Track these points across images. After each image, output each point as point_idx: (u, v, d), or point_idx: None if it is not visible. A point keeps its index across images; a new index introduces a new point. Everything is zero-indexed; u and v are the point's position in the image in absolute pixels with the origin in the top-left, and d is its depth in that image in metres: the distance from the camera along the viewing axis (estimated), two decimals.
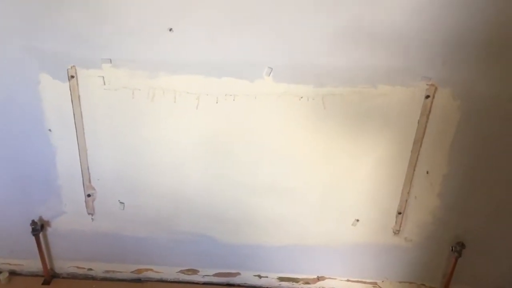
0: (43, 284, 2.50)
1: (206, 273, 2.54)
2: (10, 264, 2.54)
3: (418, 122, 2.02)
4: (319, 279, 2.52)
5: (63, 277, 2.55)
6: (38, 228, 2.34)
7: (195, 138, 2.11)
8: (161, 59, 1.94)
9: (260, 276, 2.53)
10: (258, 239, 2.40)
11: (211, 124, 2.08)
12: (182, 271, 2.54)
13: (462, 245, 2.28)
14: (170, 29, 1.87)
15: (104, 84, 2.00)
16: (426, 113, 2.00)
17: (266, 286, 2.56)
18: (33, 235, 2.34)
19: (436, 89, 1.95)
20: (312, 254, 2.43)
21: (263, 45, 1.90)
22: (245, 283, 2.56)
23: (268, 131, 2.09)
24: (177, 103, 2.02)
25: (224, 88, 1.99)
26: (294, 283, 2.54)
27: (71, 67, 1.96)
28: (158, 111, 2.04)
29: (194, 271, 2.54)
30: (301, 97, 2.00)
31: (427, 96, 1.97)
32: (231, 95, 2.00)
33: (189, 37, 1.89)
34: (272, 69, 1.94)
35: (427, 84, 1.94)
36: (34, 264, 2.49)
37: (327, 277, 2.51)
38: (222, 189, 2.25)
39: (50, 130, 2.11)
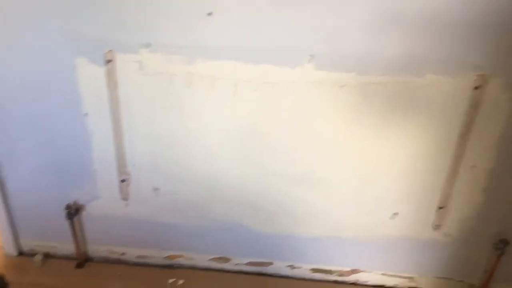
0: (76, 267, 2.51)
1: (238, 262, 2.52)
2: (44, 246, 2.56)
3: (466, 114, 1.93)
4: (353, 271, 2.47)
5: (96, 261, 2.56)
6: (73, 212, 2.35)
7: (231, 126, 2.07)
8: (199, 44, 1.89)
9: (292, 267, 2.49)
10: (292, 229, 2.36)
11: (248, 112, 2.03)
12: (214, 259, 2.52)
13: (505, 242, 2.20)
14: (209, 13, 1.82)
15: (141, 69, 1.97)
16: (474, 104, 1.91)
17: (298, 277, 2.52)
18: (68, 219, 2.35)
19: (486, 79, 1.85)
20: (347, 247, 2.38)
21: (305, 31, 1.83)
22: (277, 273, 2.53)
23: (306, 120, 2.03)
24: (214, 89, 1.98)
25: (263, 75, 1.93)
26: (327, 274, 2.50)
27: (108, 51, 1.94)
28: (195, 97, 2.01)
29: (226, 260, 2.52)
30: (342, 86, 1.93)
31: (476, 87, 1.87)
32: (270, 82, 1.95)
33: (229, 21, 1.83)
34: (313, 56, 1.87)
35: (476, 75, 1.85)
36: (68, 247, 2.50)
37: (361, 270, 2.46)
38: (257, 177, 2.21)
39: (86, 114, 2.10)
